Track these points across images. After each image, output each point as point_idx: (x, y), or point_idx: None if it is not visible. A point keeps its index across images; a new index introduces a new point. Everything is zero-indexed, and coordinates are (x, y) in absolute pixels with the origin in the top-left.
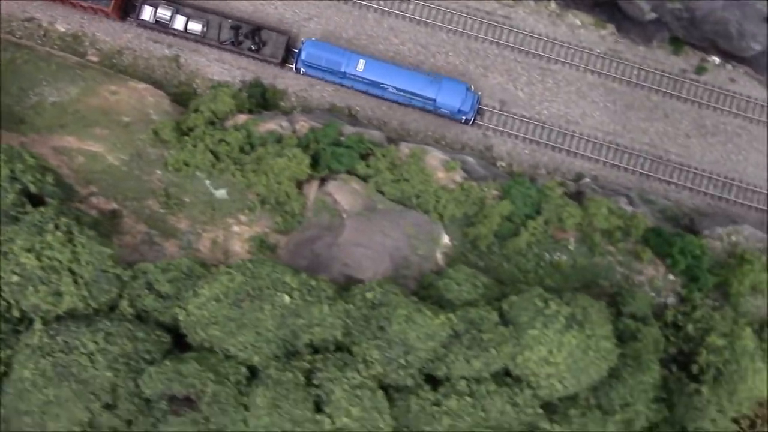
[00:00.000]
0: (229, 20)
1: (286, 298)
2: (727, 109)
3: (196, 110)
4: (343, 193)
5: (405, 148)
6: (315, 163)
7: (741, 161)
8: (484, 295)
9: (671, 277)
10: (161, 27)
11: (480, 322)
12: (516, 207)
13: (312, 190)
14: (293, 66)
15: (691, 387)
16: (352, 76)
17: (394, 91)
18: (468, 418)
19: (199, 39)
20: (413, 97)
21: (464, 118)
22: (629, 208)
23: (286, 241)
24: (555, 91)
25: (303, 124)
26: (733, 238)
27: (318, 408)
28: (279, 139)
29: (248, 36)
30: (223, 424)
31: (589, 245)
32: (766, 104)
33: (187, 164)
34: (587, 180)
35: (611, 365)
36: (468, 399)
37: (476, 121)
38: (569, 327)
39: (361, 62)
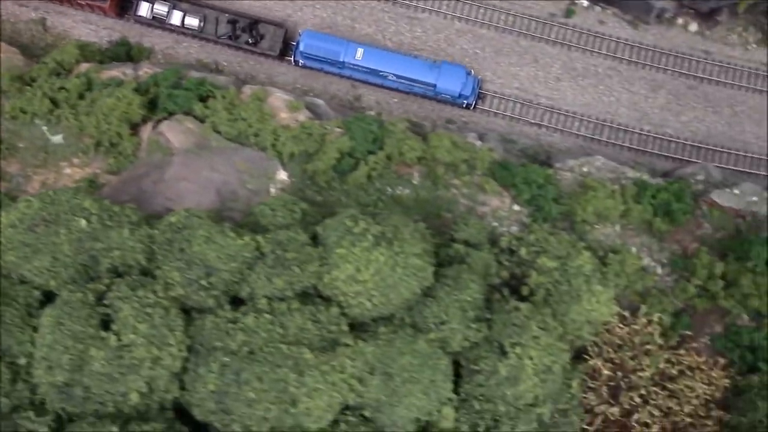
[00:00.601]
0: (226, 14)
1: (83, 222)
2: (597, 50)
3: (41, 62)
4: (176, 133)
5: (248, 90)
6: (154, 106)
7: (613, 102)
8: (301, 220)
9: (516, 207)
10: (158, 22)
11: (287, 243)
12: (357, 143)
13: (146, 131)
14: (291, 58)
15: (511, 305)
16: (351, 65)
17: (394, 78)
18: (264, 334)
19: (197, 34)
20: (413, 83)
21: (465, 102)
22: (478, 143)
23: (115, 181)
24: (424, 39)
25: (146, 71)
26: (585, 169)
27: (106, 326)
28: (119, 84)
29: (245, 30)
30: (8, 345)
31: (433, 179)
32: (634, 44)
33: (24, 111)
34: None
35: (426, 284)
36: (267, 316)
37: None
38: (377, 245)
39: (360, 51)
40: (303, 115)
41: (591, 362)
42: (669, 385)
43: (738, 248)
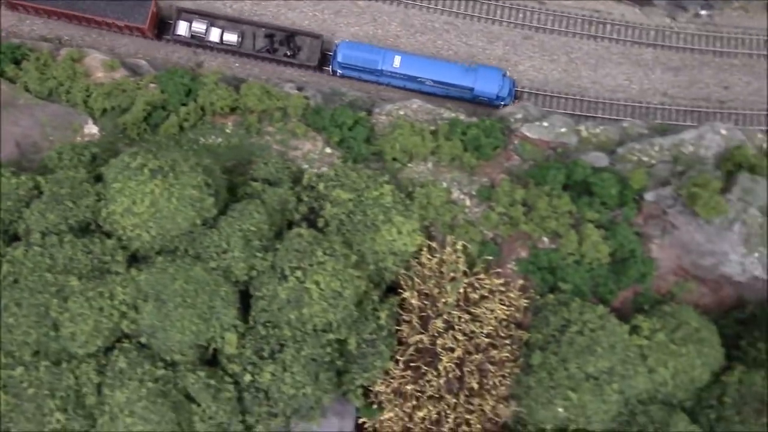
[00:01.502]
0: (263, 28)
1: None
2: (433, 6)
3: None
4: None
5: (64, 51)
6: None
7: (451, 56)
8: (90, 162)
9: (328, 150)
10: (197, 41)
11: (64, 181)
12: (169, 95)
13: None
14: (329, 69)
15: (293, 231)
16: (389, 73)
17: (431, 84)
18: (30, 265)
19: (236, 50)
20: (451, 88)
21: (503, 103)
22: (294, 92)
23: None
24: (264, 5)
25: None
26: (401, 112)
27: None
28: None
29: (283, 43)
30: None
31: (246, 127)
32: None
33: None
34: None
35: (207, 215)
36: (36, 248)
37: None
38: (153, 178)
39: (397, 58)
40: (119, 74)
41: (404, 294)
42: (472, 310)
43: (537, 175)
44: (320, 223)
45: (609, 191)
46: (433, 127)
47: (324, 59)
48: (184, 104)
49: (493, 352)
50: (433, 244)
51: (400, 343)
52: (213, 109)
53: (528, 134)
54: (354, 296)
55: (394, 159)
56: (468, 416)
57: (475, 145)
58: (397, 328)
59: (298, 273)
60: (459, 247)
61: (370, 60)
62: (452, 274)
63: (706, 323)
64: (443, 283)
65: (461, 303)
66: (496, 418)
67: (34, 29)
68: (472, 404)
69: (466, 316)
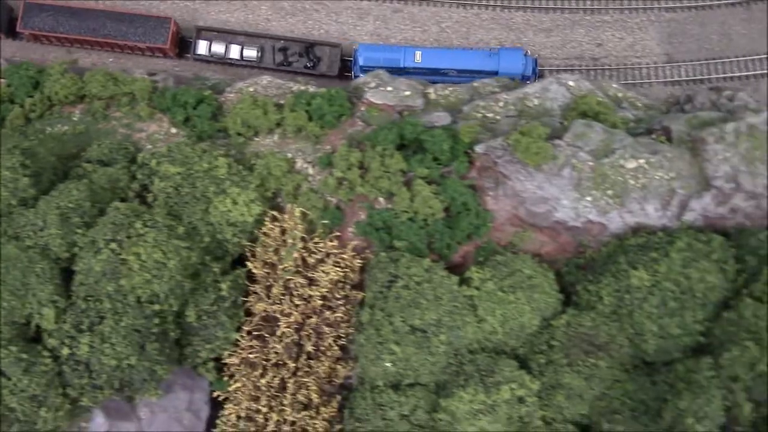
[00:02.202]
0: (281, 41)
1: None
2: None
3: None
4: None
5: None
6: None
7: (323, 35)
8: None
9: (174, 129)
10: (218, 58)
11: None
12: (15, 89)
13: None
14: (351, 74)
15: (112, 206)
16: (413, 69)
17: (456, 74)
18: None
19: (256, 65)
20: (475, 75)
21: (528, 82)
22: (141, 76)
23: None
24: None
25: None
26: (251, 89)
27: None
28: None
29: (302, 54)
30: None
31: (92, 113)
32: None
33: None
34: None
35: (23, 195)
36: None
37: None
38: None
39: (418, 54)
40: None
41: (250, 265)
42: (309, 274)
43: (372, 137)
44: (150, 198)
45: (440, 147)
46: (265, 98)
47: (344, 67)
48: (30, 96)
49: (328, 314)
50: (276, 214)
51: (250, 314)
52: (59, 98)
53: (373, 100)
54: (181, 267)
55: (239, 134)
56: (305, 379)
57: (319, 115)
58: (245, 299)
59: (113, 245)
60: (297, 214)
61: (391, 59)
62: (291, 241)
63: (541, 270)
64: (280, 250)
65: (301, 269)
66: (334, 380)
67: (57, 56)
68: (310, 367)
69: (303, 281)
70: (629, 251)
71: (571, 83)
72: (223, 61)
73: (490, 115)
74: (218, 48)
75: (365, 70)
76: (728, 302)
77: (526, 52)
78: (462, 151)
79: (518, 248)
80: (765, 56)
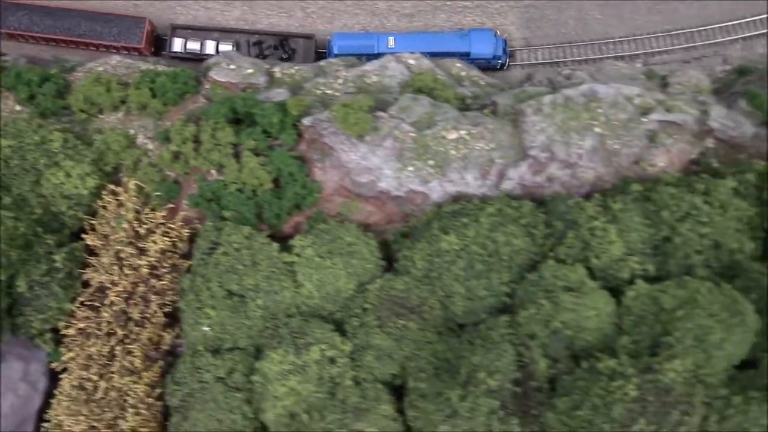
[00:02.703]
0: (255, 35)
1: None
2: None
3: None
4: None
5: None
6: None
7: (191, 20)
8: None
9: (18, 107)
10: (194, 55)
11: None
12: None
13: None
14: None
15: None
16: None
17: (429, 56)
18: None
19: None
20: (448, 56)
21: (499, 63)
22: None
23: None
24: None
25: None
26: (101, 69)
27: None
28: None
29: (277, 47)
30: None
31: None
32: None
33: None
34: None
35: None
36: None
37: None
38: None
39: (391, 39)
40: None
41: (86, 237)
42: (139, 245)
43: (207, 112)
44: None
45: (270, 120)
46: (109, 75)
47: (318, 57)
48: None
49: (154, 282)
50: (114, 188)
51: (88, 285)
52: None
53: (217, 78)
54: (7, 237)
55: (82, 110)
56: (131, 346)
57: (162, 92)
58: (83, 271)
59: None
60: (132, 187)
61: (366, 46)
62: (123, 213)
63: (364, 238)
64: (111, 222)
65: (132, 240)
66: (161, 346)
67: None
68: (136, 334)
69: (134, 251)
70: (444, 218)
71: (411, 62)
72: (199, 57)
73: (329, 92)
74: (194, 45)
75: (340, 58)
76: (535, 265)
77: (496, 32)
78: (290, 124)
79: (347, 218)
80: (618, 39)
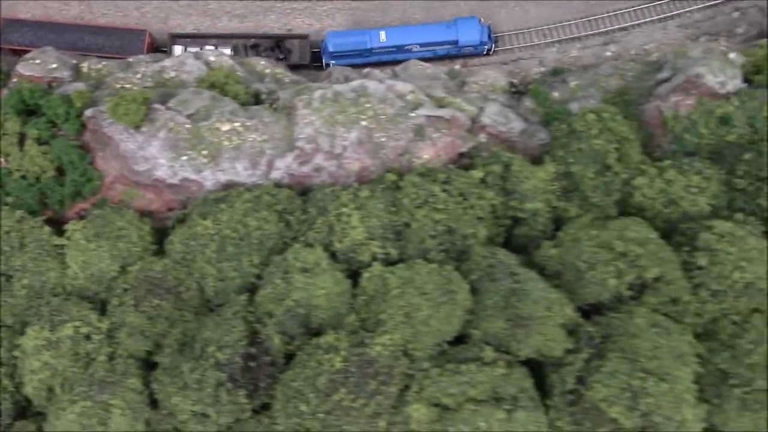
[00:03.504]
0: (251, 39)
1: None
2: None
3: None
4: None
5: None
6: None
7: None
8: None
9: None
10: None
11: None
12: None
13: None
14: (322, 64)
15: None
16: (379, 49)
17: (419, 48)
18: None
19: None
20: (437, 47)
21: (486, 49)
22: None
23: None
24: None
25: None
26: None
27: None
28: None
29: (273, 48)
30: None
31: None
32: None
33: None
34: None
35: None
36: None
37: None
38: None
39: (382, 33)
40: None
41: None
42: None
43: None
44: None
45: (56, 111)
46: None
47: (314, 57)
48: None
49: None
50: None
51: None
52: None
53: (23, 72)
54: None
55: None
56: None
57: None
58: None
59: None
60: None
61: (359, 42)
62: None
63: (137, 224)
64: None
65: None
66: None
67: None
68: None
69: None
70: (206, 204)
71: (212, 58)
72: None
73: (128, 86)
74: (193, 51)
75: (335, 56)
76: (287, 248)
77: (480, 20)
78: (75, 115)
79: (128, 205)
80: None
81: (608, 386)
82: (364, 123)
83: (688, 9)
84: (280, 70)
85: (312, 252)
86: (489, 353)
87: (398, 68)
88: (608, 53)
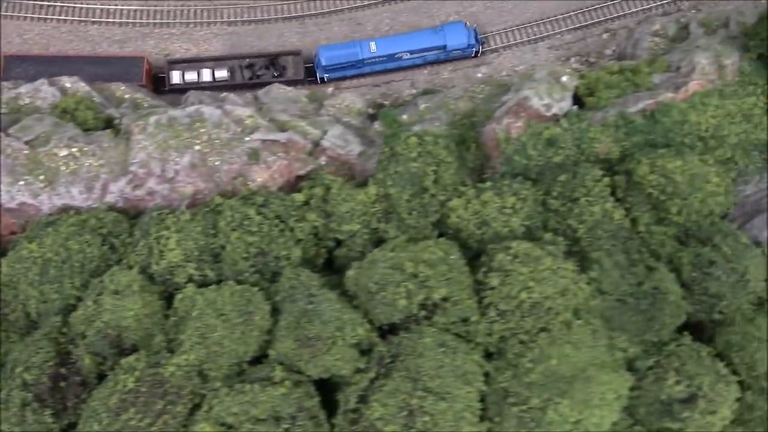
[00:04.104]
0: (246, 59)
1: None
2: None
3: None
4: None
5: None
6: None
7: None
8: None
9: None
10: (192, 84)
11: None
12: None
13: None
14: (316, 78)
15: None
16: (370, 60)
17: (409, 56)
18: None
19: (230, 84)
20: (426, 53)
21: (474, 51)
22: None
23: None
24: None
25: None
26: None
27: None
28: None
29: (268, 67)
30: None
31: None
32: None
33: None
34: None
35: None
36: None
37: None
38: None
39: (373, 44)
40: None
41: None
42: None
43: None
44: None
45: None
46: None
47: (308, 71)
48: None
49: None
50: None
51: None
52: None
53: None
54: None
55: None
56: None
57: None
58: None
59: None
60: None
61: (350, 54)
62: None
63: None
64: None
65: None
66: None
67: None
68: None
69: None
70: (37, 227)
71: (68, 84)
72: (198, 86)
73: None
74: (191, 75)
75: (329, 69)
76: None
77: (466, 23)
78: None
79: None
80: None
81: (386, 405)
82: (197, 147)
83: (558, 31)
84: (140, 95)
85: (127, 274)
86: (279, 373)
87: (260, 92)
88: (479, 75)
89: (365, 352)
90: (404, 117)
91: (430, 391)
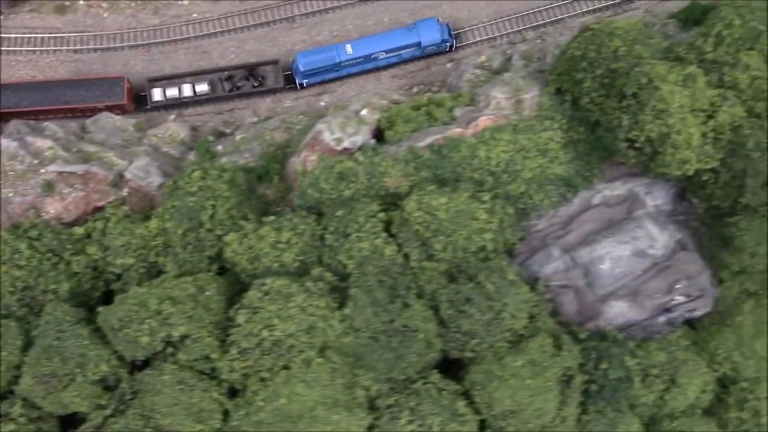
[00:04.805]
0: (225, 71)
1: None
2: None
3: None
4: None
5: None
6: None
7: None
8: None
9: None
10: (174, 100)
11: None
12: None
13: None
14: (296, 84)
15: None
16: (347, 62)
17: (385, 55)
18: None
19: (211, 97)
20: (402, 51)
21: (447, 45)
22: None
23: None
24: None
25: None
26: None
27: None
28: None
29: (248, 77)
30: None
31: None
32: None
33: None
34: None
35: None
36: None
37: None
38: None
39: (348, 47)
40: None
41: None
42: None
43: None
44: None
45: None
46: None
47: (287, 79)
48: None
49: None
50: None
51: None
52: None
53: None
54: None
55: None
56: None
57: None
58: None
59: None
60: None
61: (327, 58)
62: None
63: None
64: None
65: None
66: None
67: None
68: None
69: None
70: None
71: None
72: (180, 101)
73: None
74: (172, 91)
75: (307, 74)
76: None
77: (438, 19)
78: None
79: None
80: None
81: None
82: None
83: (403, 60)
84: None
85: None
86: (17, 409)
87: (89, 121)
88: (322, 103)
89: (112, 388)
90: (219, 148)
91: (160, 429)
